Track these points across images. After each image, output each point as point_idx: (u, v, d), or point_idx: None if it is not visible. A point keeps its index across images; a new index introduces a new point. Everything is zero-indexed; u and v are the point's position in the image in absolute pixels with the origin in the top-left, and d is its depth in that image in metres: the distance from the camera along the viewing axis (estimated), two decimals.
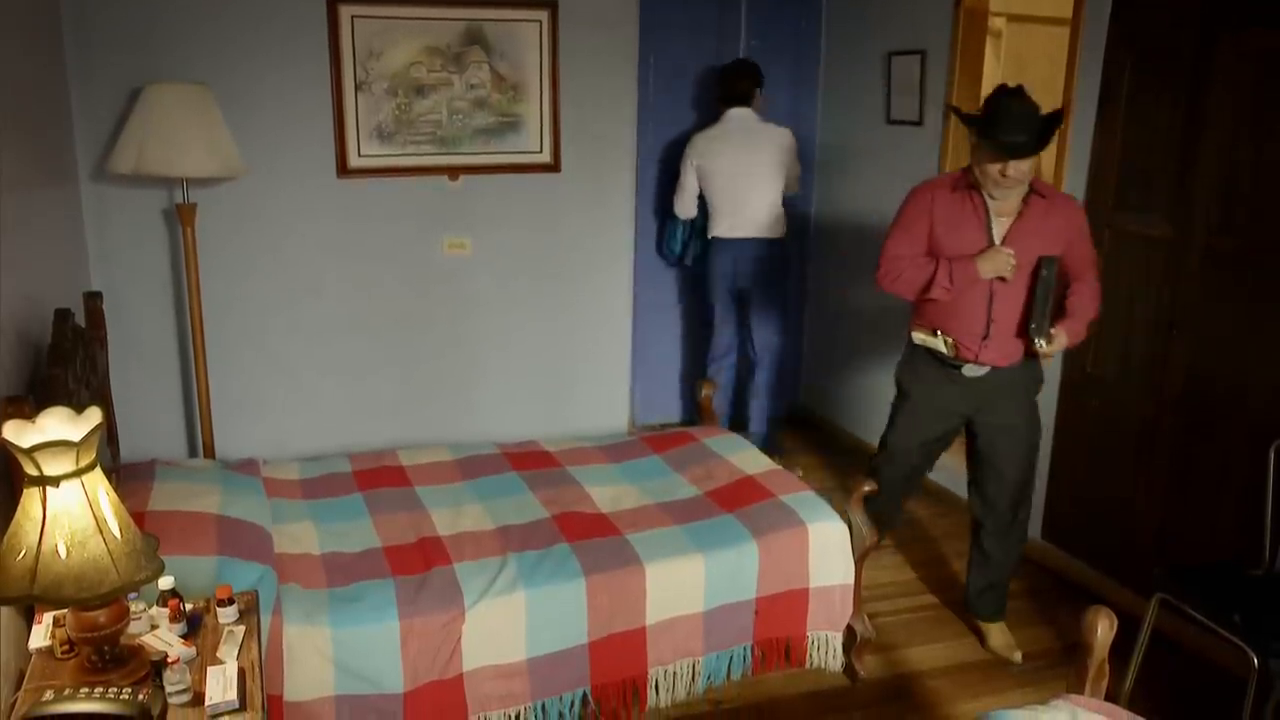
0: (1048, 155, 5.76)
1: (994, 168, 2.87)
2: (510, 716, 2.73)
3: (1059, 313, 3.04)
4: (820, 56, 5.19)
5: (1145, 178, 3.41)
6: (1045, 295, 2.94)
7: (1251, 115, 3.05)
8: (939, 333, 3.13)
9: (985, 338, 3.04)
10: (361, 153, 4.06)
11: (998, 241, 2.99)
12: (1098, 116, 3.57)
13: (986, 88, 4.58)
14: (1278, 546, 2.83)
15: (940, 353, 3.14)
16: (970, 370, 3.11)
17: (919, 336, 3.19)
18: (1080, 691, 2.17)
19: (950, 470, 4.49)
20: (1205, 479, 3.26)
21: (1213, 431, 3.23)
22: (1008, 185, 2.91)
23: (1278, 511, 2.82)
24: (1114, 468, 3.60)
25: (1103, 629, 2.11)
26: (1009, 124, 2.82)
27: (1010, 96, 2.88)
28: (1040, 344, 2.97)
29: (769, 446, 4.48)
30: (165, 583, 2.02)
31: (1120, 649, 2.23)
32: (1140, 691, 2.86)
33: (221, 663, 1.91)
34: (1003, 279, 2.98)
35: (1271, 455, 2.79)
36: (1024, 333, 3.03)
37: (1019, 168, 2.86)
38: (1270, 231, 3.01)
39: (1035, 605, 3.62)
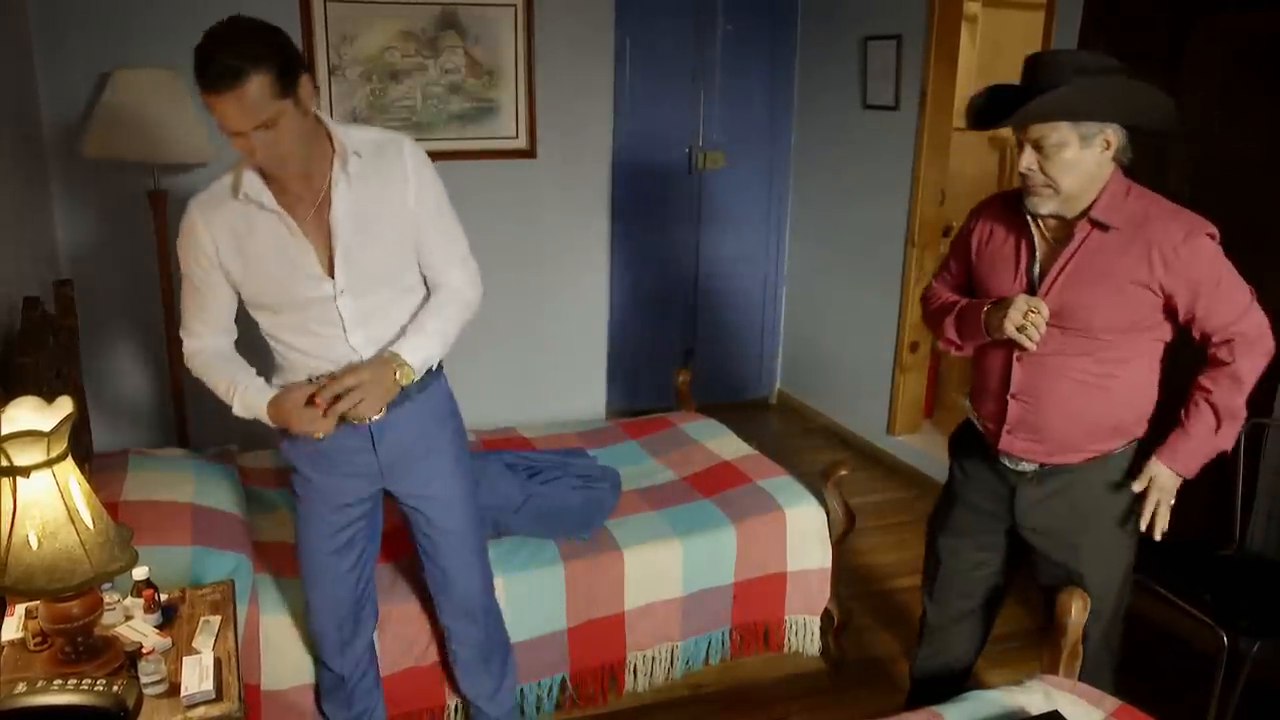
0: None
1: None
2: None
3: (1169, 419, 2.14)
4: (796, 41, 5.18)
5: None
6: None
7: (1222, 98, 3.07)
8: (969, 400, 2.30)
9: (1003, 421, 2.17)
10: None
11: (1038, 284, 2.09)
12: None
13: (962, 73, 4.62)
14: (1247, 526, 2.88)
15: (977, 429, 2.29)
16: (1011, 462, 2.21)
17: (963, 402, 2.34)
18: (1054, 672, 2.20)
19: (919, 450, 4.53)
20: None
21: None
22: (1026, 190, 2.05)
23: (1248, 492, 2.86)
24: None
25: (1075, 611, 2.14)
26: (996, 91, 2.06)
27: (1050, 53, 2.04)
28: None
29: None
30: (139, 573, 2.01)
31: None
32: None
33: (197, 653, 1.90)
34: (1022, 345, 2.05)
35: (1241, 436, 2.82)
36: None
37: (1027, 158, 1.99)
38: (1240, 212, 3.03)
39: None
